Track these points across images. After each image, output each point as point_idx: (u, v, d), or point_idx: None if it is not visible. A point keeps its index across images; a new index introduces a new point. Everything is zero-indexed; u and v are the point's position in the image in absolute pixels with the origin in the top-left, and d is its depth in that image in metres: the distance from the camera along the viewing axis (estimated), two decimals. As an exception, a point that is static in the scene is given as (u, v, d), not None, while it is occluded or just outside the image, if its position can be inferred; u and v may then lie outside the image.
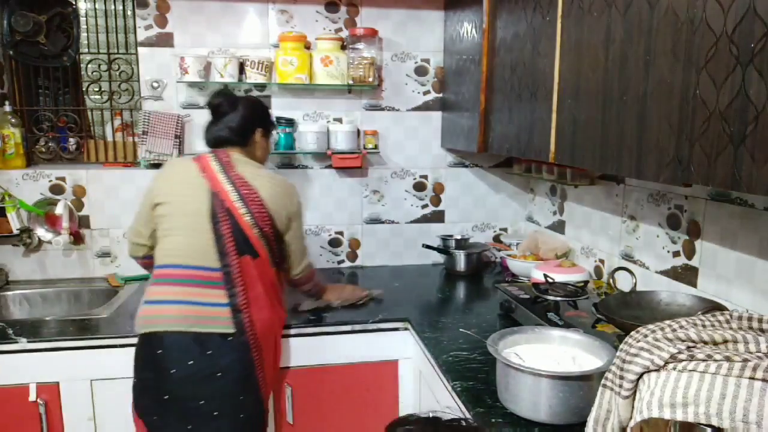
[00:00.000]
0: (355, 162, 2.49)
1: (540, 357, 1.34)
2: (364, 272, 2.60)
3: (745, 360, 0.87)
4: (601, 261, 2.17)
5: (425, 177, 2.68)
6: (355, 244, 2.66)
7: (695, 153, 1.09)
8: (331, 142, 2.49)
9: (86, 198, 2.42)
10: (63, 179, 2.40)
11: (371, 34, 2.43)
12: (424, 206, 2.70)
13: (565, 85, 1.58)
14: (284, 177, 1.86)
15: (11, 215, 2.29)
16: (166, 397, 1.63)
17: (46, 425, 1.82)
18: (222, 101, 1.83)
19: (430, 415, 0.84)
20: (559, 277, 2.02)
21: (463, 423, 0.82)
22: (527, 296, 1.89)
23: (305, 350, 1.94)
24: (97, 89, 2.51)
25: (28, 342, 1.80)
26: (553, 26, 1.62)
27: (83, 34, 2.45)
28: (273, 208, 1.73)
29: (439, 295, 2.31)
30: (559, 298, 1.79)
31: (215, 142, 1.83)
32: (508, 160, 2.69)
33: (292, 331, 1.92)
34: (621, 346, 1.02)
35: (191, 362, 1.62)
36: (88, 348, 1.84)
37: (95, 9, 2.46)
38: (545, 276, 1.99)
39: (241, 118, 1.82)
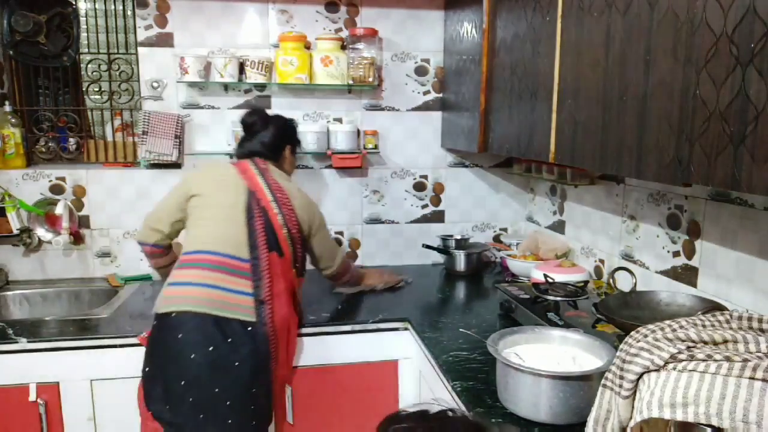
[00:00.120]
0: (355, 162, 2.49)
1: (540, 357, 1.34)
2: (364, 272, 2.60)
3: (745, 360, 0.87)
4: (601, 261, 2.17)
5: (425, 177, 2.68)
6: (355, 244, 2.66)
7: (695, 153, 1.09)
8: (331, 142, 2.49)
9: (86, 198, 2.43)
10: (63, 179, 2.40)
11: (371, 34, 2.43)
12: (424, 206, 2.70)
13: (565, 85, 1.58)
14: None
15: (11, 215, 2.29)
16: (182, 382, 1.62)
17: (46, 425, 1.82)
18: (256, 120, 1.98)
19: (418, 409, 0.84)
20: (559, 277, 2.02)
21: (450, 414, 0.83)
22: (527, 296, 1.89)
23: (305, 350, 1.94)
24: (97, 89, 2.51)
25: (28, 342, 1.80)
26: (553, 26, 1.62)
27: (83, 34, 2.45)
28: (301, 215, 1.87)
29: (439, 295, 2.31)
30: (559, 298, 1.79)
31: (249, 155, 1.96)
32: (508, 160, 2.69)
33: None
34: (621, 346, 1.02)
35: (211, 348, 1.63)
36: (88, 348, 1.84)
37: (95, 9, 2.46)
38: (545, 276, 1.99)
39: (272, 136, 1.97)
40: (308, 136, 2.43)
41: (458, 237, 2.64)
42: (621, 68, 1.32)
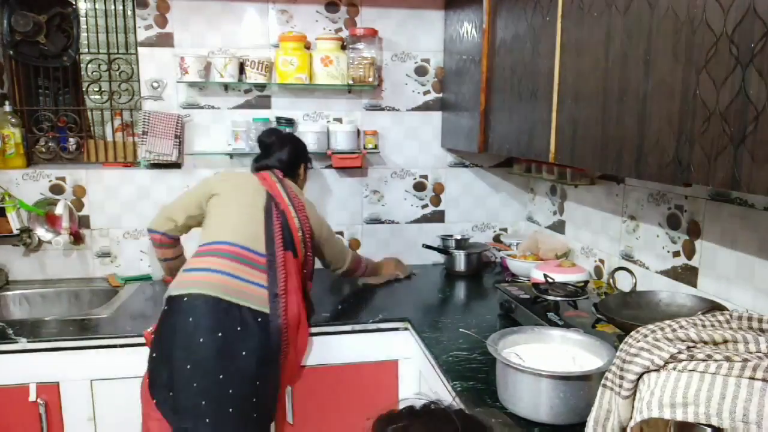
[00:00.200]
0: (355, 162, 2.49)
1: (540, 357, 1.34)
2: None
3: (745, 360, 0.87)
4: (601, 261, 2.17)
5: (425, 177, 2.68)
6: (355, 244, 2.66)
7: (695, 153, 1.09)
8: (331, 142, 2.49)
9: (86, 198, 2.43)
10: (63, 179, 2.40)
11: (371, 34, 2.43)
12: (424, 206, 2.70)
13: (565, 85, 1.58)
14: None
15: (11, 215, 2.29)
16: (189, 366, 1.63)
17: (46, 425, 1.82)
18: (275, 140, 2.10)
19: (405, 405, 0.86)
20: (559, 277, 2.02)
21: (432, 406, 0.84)
22: (527, 296, 1.89)
23: (308, 350, 1.93)
24: (97, 89, 2.51)
25: (28, 342, 1.80)
26: (553, 26, 1.62)
27: (83, 34, 2.45)
28: (313, 223, 1.97)
29: (439, 295, 2.31)
30: (559, 298, 1.79)
31: (266, 168, 2.05)
32: (508, 160, 2.69)
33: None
34: (621, 346, 1.02)
35: (220, 334, 1.65)
36: (88, 348, 1.84)
37: (95, 9, 2.46)
38: (545, 276, 1.99)
39: (288, 155, 2.08)
40: (308, 136, 2.43)
41: (458, 237, 2.64)
42: (621, 68, 1.32)
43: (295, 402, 1.93)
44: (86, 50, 2.47)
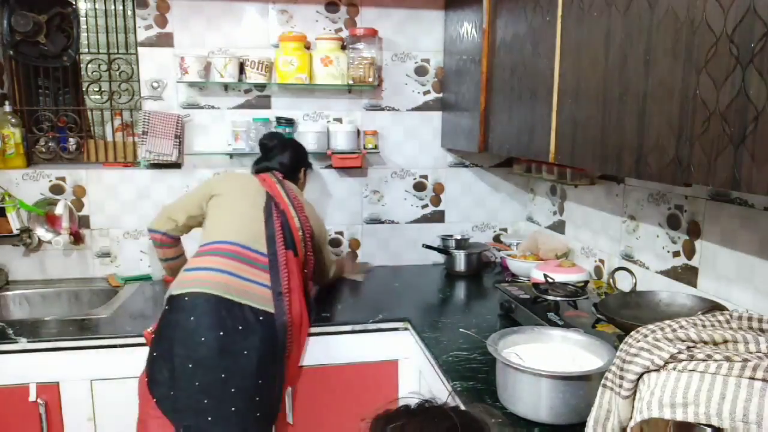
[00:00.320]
0: (355, 162, 2.49)
1: (540, 357, 1.34)
2: (364, 272, 2.60)
3: (745, 360, 0.87)
4: (601, 261, 2.17)
5: (425, 177, 2.68)
6: (355, 244, 2.66)
7: (695, 153, 1.09)
8: (331, 142, 2.49)
9: (86, 198, 2.43)
10: (63, 179, 2.40)
11: (371, 34, 2.43)
12: (424, 206, 2.70)
13: (565, 85, 1.58)
14: None
15: (11, 215, 2.29)
16: (190, 365, 1.63)
17: (46, 425, 1.82)
18: (277, 143, 2.14)
19: (401, 405, 0.86)
20: (559, 277, 2.02)
21: (427, 405, 0.84)
22: (527, 296, 1.89)
23: (306, 350, 1.93)
24: (97, 89, 2.51)
25: (28, 342, 1.80)
26: (553, 26, 1.62)
27: (83, 34, 2.45)
28: (313, 223, 2.00)
29: (439, 295, 2.31)
30: (559, 298, 1.79)
31: (266, 170, 2.08)
32: (508, 160, 2.69)
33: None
34: (621, 346, 1.02)
35: (222, 333, 1.65)
36: (88, 348, 1.84)
37: (95, 9, 2.46)
38: (545, 276, 1.99)
39: (290, 159, 2.12)
40: (308, 136, 2.43)
41: (458, 237, 2.64)
42: (621, 68, 1.32)
43: (295, 402, 1.93)
44: (86, 50, 2.47)
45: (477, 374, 1.52)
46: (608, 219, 2.12)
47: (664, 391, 0.89)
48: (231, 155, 2.46)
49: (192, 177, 2.46)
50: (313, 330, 1.94)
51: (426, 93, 2.61)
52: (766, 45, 0.92)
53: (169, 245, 2.02)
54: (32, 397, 1.81)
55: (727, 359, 0.88)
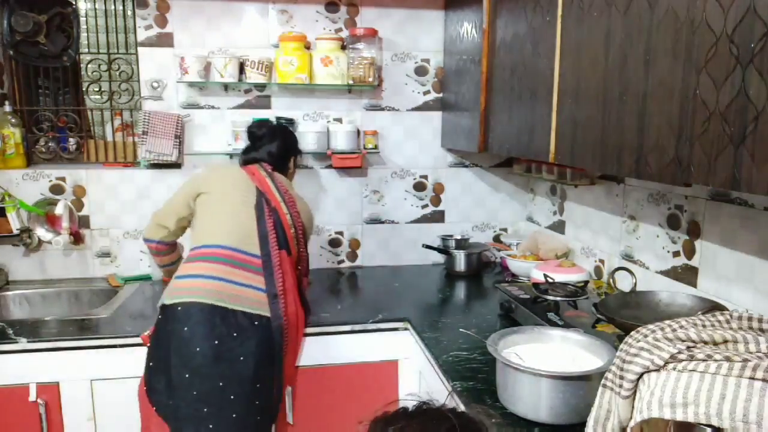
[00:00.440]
0: (355, 162, 2.49)
1: (540, 357, 1.34)
2: (363, 272, 2.60)
3: (745, 360, 0.87)
4: (601, 261, 2.17)
5: (425, 177, 2.67)
6: (355, 244, 2.66)
7: (695, 153, 1.09)
8: (331, 142, 2.49)
9: (86, 198, 2.43)
10: (63, 179, 2.40)
11: (371, 34, 2.43)
12: (424, 206, 2.70)
13: (565, 85, 1.58)
14: None
15: (11, 215, 2.29)
16: (187, 375, 1.63)
17: (46, 425, 1.82)
18: (266, 132, 2.05)
19: (400, 407, 0.87)
20: (559, 277, 2.02)
21: (425, 406, 0.85)
22: (527, 296, 1.89)
23: (305, 350, 1.93)
24: (97, 89, 2.51)
25: (28, 342, 1.80)
26: (553, 26, 1.62)
27: (83, 34, 2.45)
28: (304, 218, 1.94)
29: (439, 295, 2.31)
30: (559, 298, 1.79)
31: (254, 162, 2.00)
32: (508, 160, 2.69)
33: (292, 331, 1.92)
34: (621, 346, 1.02)
35: (216, 342, 1.64)
36: (88, 348, 1.84)
37: (95, 9, 2.45)
38: (545, 276, 1.99)
39: (279, 147, 2.03)
40: (308, 136, 2.43)
41: (458, 237, 2.64)
42: (621, 68, 1.32)
43: (295, 402, 1.93)
44: (86, 50, 2.47)
45: (477, 374, 1.52)
46: (608, 219, 2.12)
47: (664, 391, 0.89)
48: (231, 155, 2.46)
49: (192, 177, 2.46)
50: (313, 330, 1.94)
51: (426, 93, 2.61)
52: (766, 45, 0.92)
53: (165, 252, 2.01)
54: (32, 397, 1.81)
55: (727, 359, 0.88)
